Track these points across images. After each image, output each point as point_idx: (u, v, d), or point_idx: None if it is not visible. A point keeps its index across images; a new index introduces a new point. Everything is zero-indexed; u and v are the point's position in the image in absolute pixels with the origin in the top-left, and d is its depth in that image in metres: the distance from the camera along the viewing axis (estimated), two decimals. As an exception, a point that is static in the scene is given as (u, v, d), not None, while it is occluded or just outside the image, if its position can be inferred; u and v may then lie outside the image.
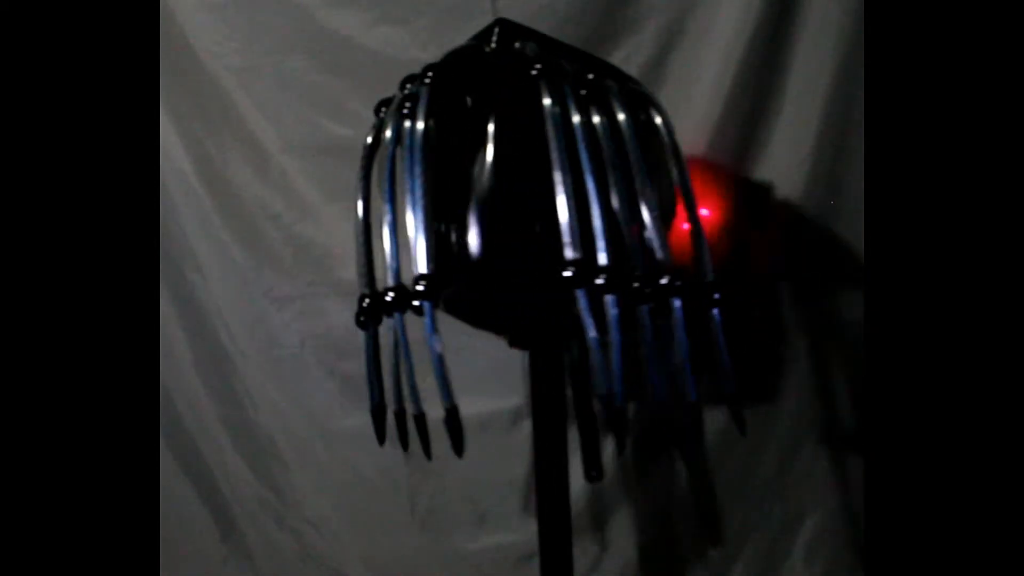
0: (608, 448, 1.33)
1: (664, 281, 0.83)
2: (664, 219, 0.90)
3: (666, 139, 0.91)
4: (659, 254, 0.83)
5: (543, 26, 1.00)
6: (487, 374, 1.26)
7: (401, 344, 0.85)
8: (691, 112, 1.22)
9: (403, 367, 0.86)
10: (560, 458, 1.03)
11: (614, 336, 0.79)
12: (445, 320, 0.85)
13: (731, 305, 0.92)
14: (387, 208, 0.86)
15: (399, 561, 1.42)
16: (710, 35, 1.24)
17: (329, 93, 1.30)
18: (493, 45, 0.93)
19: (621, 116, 0.85)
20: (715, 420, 1.31)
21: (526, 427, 1.31)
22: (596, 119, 0.84)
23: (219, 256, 1.38)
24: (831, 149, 1.25)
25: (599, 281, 0.79)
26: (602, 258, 0.80)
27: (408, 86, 0.92)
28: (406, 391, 0.87)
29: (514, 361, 1.26)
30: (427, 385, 0.86)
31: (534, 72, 0.85)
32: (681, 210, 0.94)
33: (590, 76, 0.87)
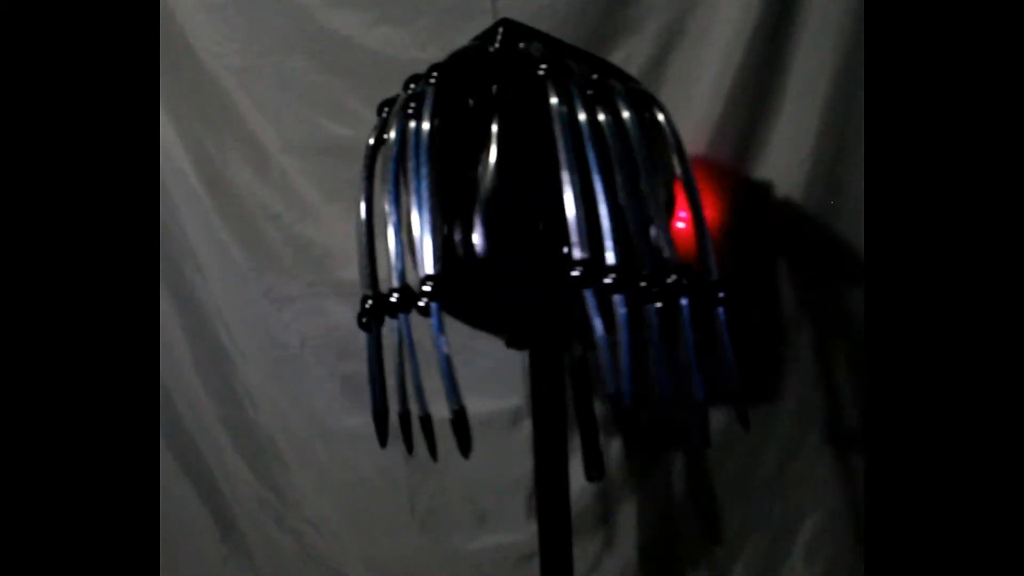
0: (612, 448, 1.33)
1: (671, 280, 0.83)
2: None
3: (670, 138, 0.91)
4: (666, 253, 0.84)
5: (543, 26, 1.00)
6: (487, 374, 1.26)
7: (406, 345, 0.85)
8: (691, 112, 1.22)
9: (408, 368, 0.86)
10: (560, 458, 1.03)
11: (623, 335, 0.79)
12: (444, 320, 0.85)
13: (736, 304, 0.92)
14: (392, 209, 0.85)
15: (399, 561, 1.42)
16: (710, 35, 1.24)
17: (329, 93, 1.30)
18: (497, 45, 0.93)
19: (627, 115, 0.85)
20: (715, 420, 1.30)
21: (526, 427, 1.31)
22: (603, 118, 0.84)
23: (219, 256, 1.38)
24: (831, 149, 1.25)
25: (607, 281, 0.79)
26: (610, 257, 0.80)
27: (412, 86, 0.92)
28: (411, 392, 0.87)
29: (514, 361, 1.26)
30: (428, 386, 0.86)
31: (540, 72, 0.85)
32: (677, 209, 0.95)
33: (594, 76, 0.87)
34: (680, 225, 0.97)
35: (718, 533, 1.38)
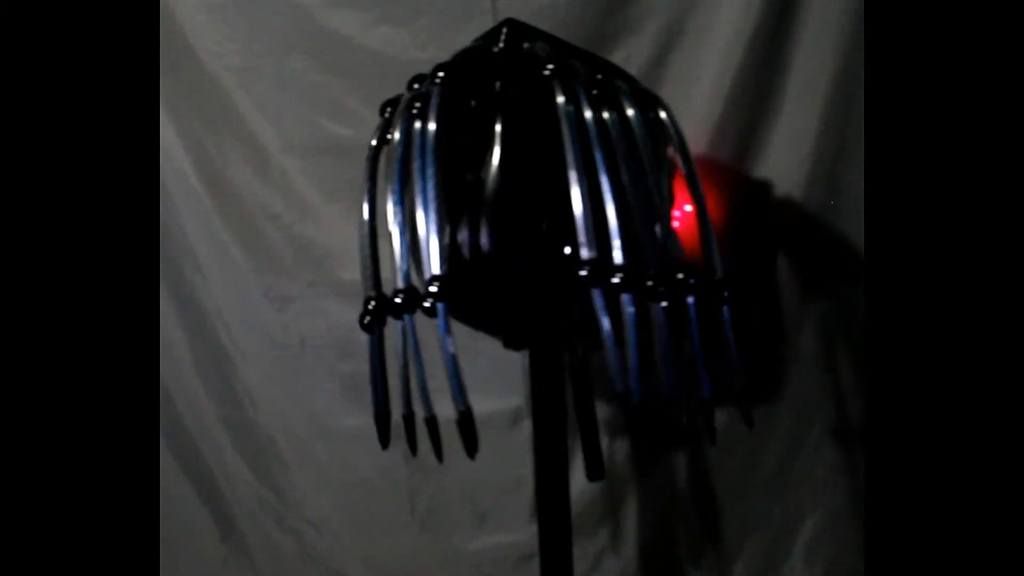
0: (612, 448, 1.33)
1: (679, 277, 0.83)
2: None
3: (675, 138, 0.91)
4: (673, 251, 0.84)
5: (543, 26, 1.00)
6: (487, 374, 1.26)
7: (411, 346, 0.85)
8: (691, 112, 1.22)
9: (413, 369, 0.86)
10: (560, 458, 1.03)
11: (631, 334, 0.79)
12: (435, 321, 0.85)
13: (739, 302, 0.92)
14: (397, 210, 0.85)
15: (399, 561, 1.42)
16: (710, 35, 1.24)
17: (329, 93, 1.30)
18: (501, 45, 0.93)
19: (633, 115, 0.85)
20: (716, 419, 1.31)
21: (526, 427, 1.31)
22: (609, 118, 0.84)
23: (219, 256, 1.38)
24: (831, 149, 1.25)
25: (615, 280, 0.79)
26: (617, 256, 0.80)
27: (416, 86, 0.92)
28: (416, 393, 0.87)
29: (514, 361, 1.26)
30: (430, 387, 0.86)
31: (547, 72, 0.84)
32: (673, 207, 0.95)
33: (599, 76, 0.87)
34: (674, 224, 0.97)
35: (718, 533, 1.38)
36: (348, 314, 1.29)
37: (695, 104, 1.23)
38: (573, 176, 0.80)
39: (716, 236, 0.91)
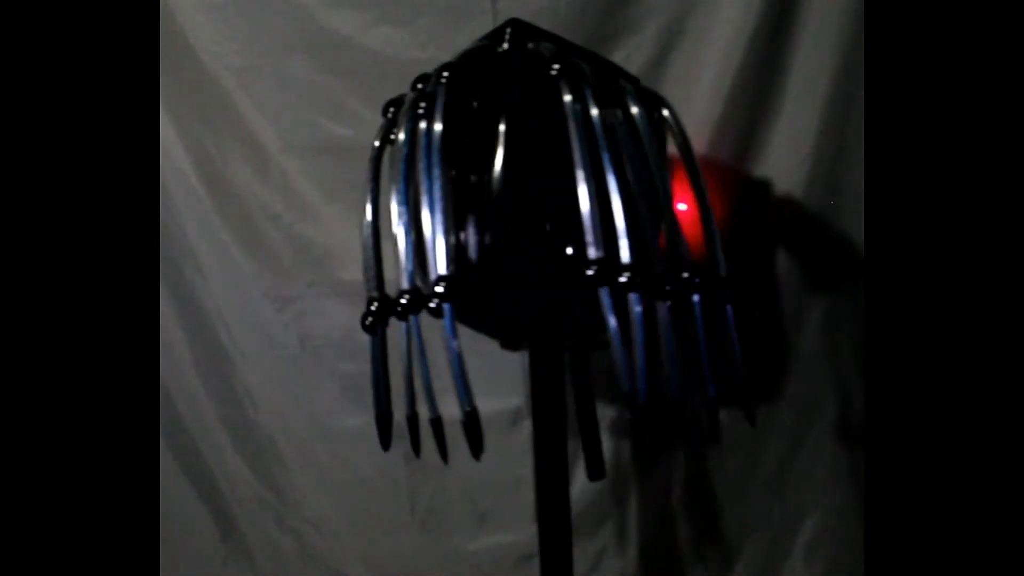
0: (612, 448, 1.33)
1: (685, 276, 0.83)
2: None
3: (679, 138, 0.91)
4: (681, 249, 0.84)
5: (543, 26, 1.00)
6: (487, 374, 1.25)
7: (416, 347, 0.85)
8: (691, 112, 1.22)
9: (418, 370, 0.86)
10: (560, 458, 1.03)
11: (638, 334, 0.79)
12: (438, 321, 0.85)
13: (742, 301, 0.92)
14: (402, 210, 0.85)
15: (399, 561, 1.42)
16: (710, 35, 1.24)
17: (329, 93, 1.30)
18: (506, 45, 0.93)
19: (638, 115, 0.85)
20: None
21: (526, 427, 1.31)
22: (615, 117, 0.84)
23: (219, 256, 1.38)
24: (831, 149, 1.25)
25: (623, 279, 0.79)
26: (625, 256, 0.80)
27: (420, 86, 0.92)
28: (421, 395, 0.87)
29: (514, 361, 1.26)
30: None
31: (553, 72, 0.84)
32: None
33: (605, 76, 0.87)
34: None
35: (718, 533, 1.38)
36: (348, 314, 1.30)
37: (695, 104, 1.23)
38: (581, 175, 0.80)
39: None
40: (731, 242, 1.21)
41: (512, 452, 1.32)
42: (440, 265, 0.80)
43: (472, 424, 0.82)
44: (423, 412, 0.88)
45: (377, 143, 0.93)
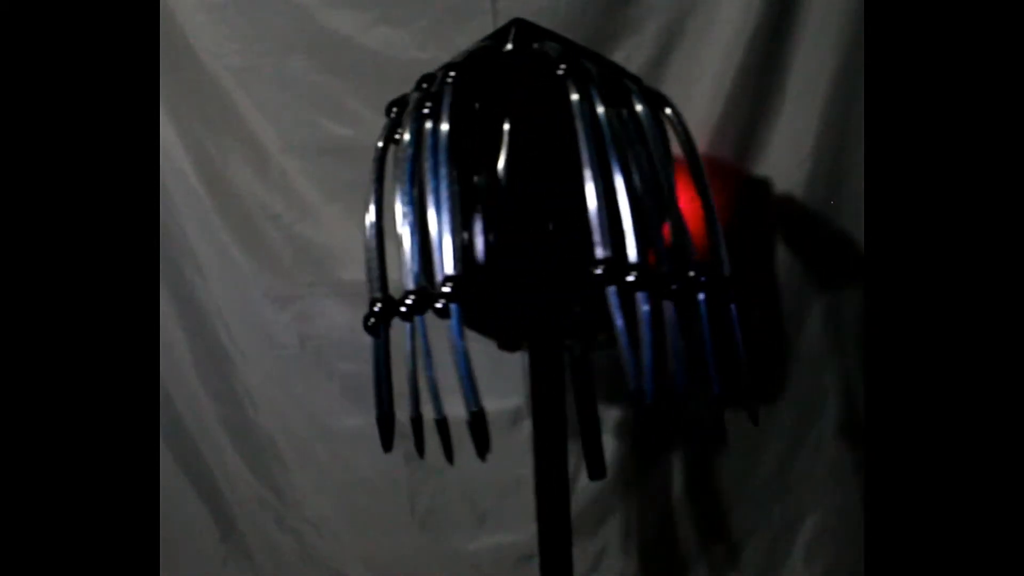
0: (612, 448, 1.33)
1: (691, 275, 0.83)
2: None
3: (682, 137, 0.92)
4: (685, 249, 0.84)
5: (543, 26, 1.00)
6: (487, 374, 1.25)
7: (421, 348, 0.85)
8: (691, 112, 1.21)
9: (422, 371, 0.86)
10: (560, 458, 1.03)
11: (645, 333, 0.79)
12: (440, 322, 0.85)
13: (745, 300, 0.92)
14: (408, 210, 0.85)
15: (399, 561, 1.42)
16: (710, 35, 1.24)
17: (329, 93, 1.30)
18: (510, 45, 0.93)
19: (643, 114, 0.85)
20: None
21: (526, 427, 1.31)
22: (622, 117, 0.84)
23: (219, 256, 1.38)
24: (831, 149, 1.25)
25: (630, 278, 0.79)
26: (632, 255, 0.79)
27: (424, 86, 0.92)
28: (426, 395, 0.87)
29: (514, 361, 1.26)
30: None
31: (560, 72, 0.84)
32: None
33: (610, 76, 0.87)
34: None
35: (718, 533, 1.38)
36: (348, 314, 1.30)
37: (695, 104, 1.23)
38: (588, 175, 0.80)
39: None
40: (732, 242, 1.21)
41: (512, 452, 1.32)
42: (447, 265, 0.80)
43: (479, 424, 0.82)
44: (427, 413, 0.88)
45: (381, 143, 0.93)
